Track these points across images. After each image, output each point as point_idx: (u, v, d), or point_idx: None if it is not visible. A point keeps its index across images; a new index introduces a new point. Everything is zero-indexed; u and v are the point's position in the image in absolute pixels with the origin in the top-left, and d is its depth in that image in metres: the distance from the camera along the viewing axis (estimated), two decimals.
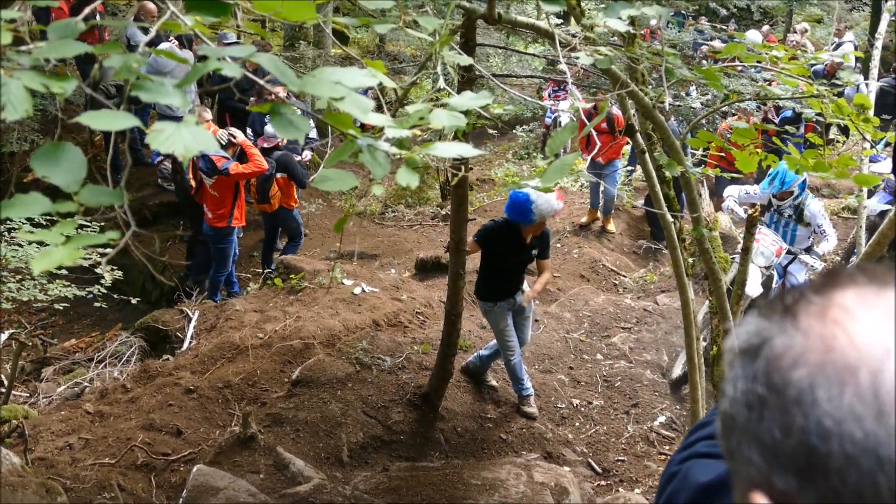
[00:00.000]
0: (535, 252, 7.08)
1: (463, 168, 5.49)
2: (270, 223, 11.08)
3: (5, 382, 8.72)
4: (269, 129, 10.48)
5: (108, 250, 1.98)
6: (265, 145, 10.56)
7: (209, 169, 9.65)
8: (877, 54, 8.82)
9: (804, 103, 5.22)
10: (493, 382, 7.67)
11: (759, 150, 4.78)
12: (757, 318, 0.89)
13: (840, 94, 5.70)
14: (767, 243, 8.14)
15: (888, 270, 0.87)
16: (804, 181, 8.27)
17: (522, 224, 6.77)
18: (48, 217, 1.73)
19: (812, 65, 5.16)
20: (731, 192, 8.59)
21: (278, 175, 10.52)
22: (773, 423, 0.80)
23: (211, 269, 10.27)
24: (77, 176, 1.64)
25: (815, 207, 8.35)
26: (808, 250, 8.53)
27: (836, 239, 8.51)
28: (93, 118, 1.76)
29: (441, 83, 2.61)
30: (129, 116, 1.74)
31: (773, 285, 8.21)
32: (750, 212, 6.06)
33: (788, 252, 8.38)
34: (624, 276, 11.19)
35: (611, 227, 12.44)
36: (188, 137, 1.67)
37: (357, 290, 9.01)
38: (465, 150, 2.23)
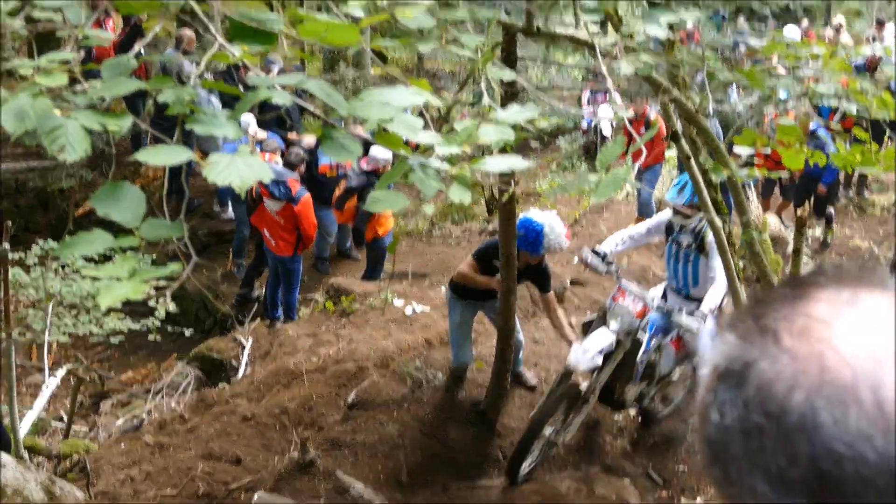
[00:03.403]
0: (520, 280, 6.93)
1: (512, 183, 5.49)
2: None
3: (65, 417, 8.85)
4: (374, 151, 10.36)
5: (162, 282, 2.00)
6: (366, 167, 10.59)
7: (284, 194, 9.35)
8: None
9: (849, 99, 5.16)
10: (532, 381, 7.66)
11: (806, 147, 4.73)
12: (730, 338, 0.87)
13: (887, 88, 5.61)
14: (628, 302, 6.26)
15: (856, 270, 0.87)
16: None
17: (525, 252, 6.68)
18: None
19: (855, 60, 5.09)
20: (609, 241, 6.86)
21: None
22: (777, 451, 0.79)
23: (278, 289, 10.21)
24: (137, 212, 1.67)
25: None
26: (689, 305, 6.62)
27: (723, 287, 6.24)
28: (150, 154, 1.79)
29: (486, 99, 2.62)
30: (185, 151, 1.76)
31: (640, 353, 6.36)
32: (799, 212, 5.99)
33: (660, 310, 6.35)
34: None
35: None
36: (243, 168, 1.70)
37: (408, 310, 9.02)
38: (516, 163, 2.23)
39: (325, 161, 10.98)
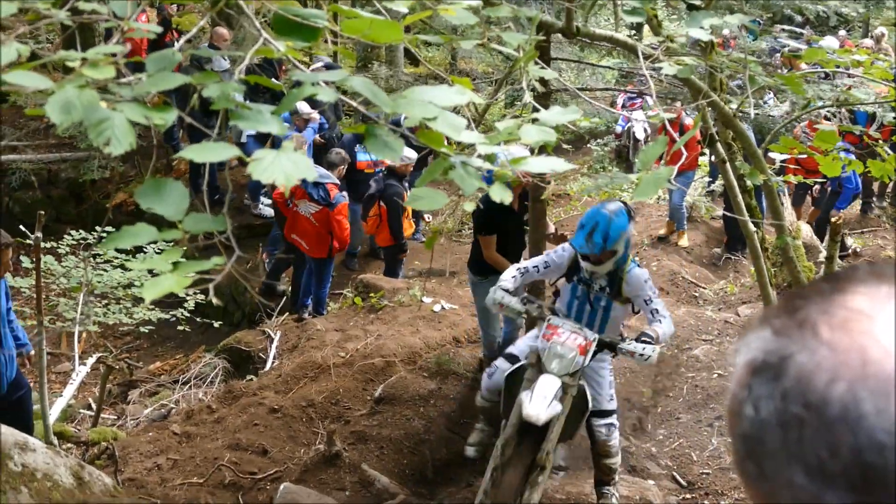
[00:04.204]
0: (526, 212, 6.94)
1: (550, 182, 5.49)
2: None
3: (94, 406, 8.94)
4: (406, 151, 10.36)
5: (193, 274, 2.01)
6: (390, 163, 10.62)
7: (322, 198, 9.40)
8: None
9: (886, 107, 5.12)
10: None
11: (843, 155, 4.70)
12: (764, 333, 0.87)
13: None
14: (565, 338, 5.31)
15: (890, 268, 0.86)
16: (629, 238, 5.62)
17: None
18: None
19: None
20: (505, 277, 5.68)
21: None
22: (817, 443, 0.78)
23: (308, 284, 10.24)
24: (181, 207, 1.68)
25: (640, 275, 5.66)
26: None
27: (672, 324, 5.66)
28: (195, 151, 1.79)
29: (527, 97, 2.61)
30: (230, 147, 1.77)
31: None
32: (833, 219, 5.91)
33: (603, 344, 5.41)
34: (704, 287, 11.05)
35: (683, 241, 12.29)
36: (288, 165, 1.69)
37: (437, 308, 9.04)
38: (558, 164, 2.22)
39: (364, 158, 11.05)
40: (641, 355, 5.14)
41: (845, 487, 0.77)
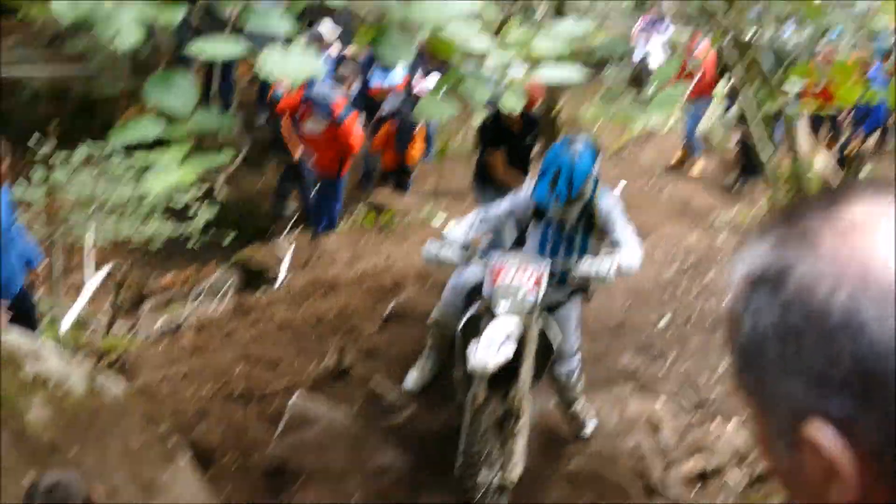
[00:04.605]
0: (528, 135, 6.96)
1: (565, 94, 5.44)
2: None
3: (106, 317, 9.05)
4: (428, 81, 10.45)
5: (204, 188, 2.00)
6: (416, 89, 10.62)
7: (326, 115, 9.34)
8: None
9: None
10: None
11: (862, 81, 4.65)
12: (763, 245, 0.87)
13: None
14: (512, 274, 4.91)
15: (890, 181, 0.86)
16: (597, 175, 5.13)
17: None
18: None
19: None
20: (453, 230, 5.36)
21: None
22: (817, 352, 0.79)
23: (319, 202, 10.26)
24: (189, 101, 1.68)
25: (610, 204, 5.25)
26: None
27: (639, 250, 5.16)
28: (203, 47, 1.78)
29: (544, 6, 2.57)
30: (239, 43, 1.75)
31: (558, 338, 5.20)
32: (851, 146, 5.87)
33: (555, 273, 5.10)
34: (717, 214, 11.08)
35: (696, 169, 12.26)
36: (297, 61, 1.68)
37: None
38: (571, 73, 2.20)
39: (376, 82, 10.99)
40: (597, 274, 4.80)
41: (845, 395, 0.78)
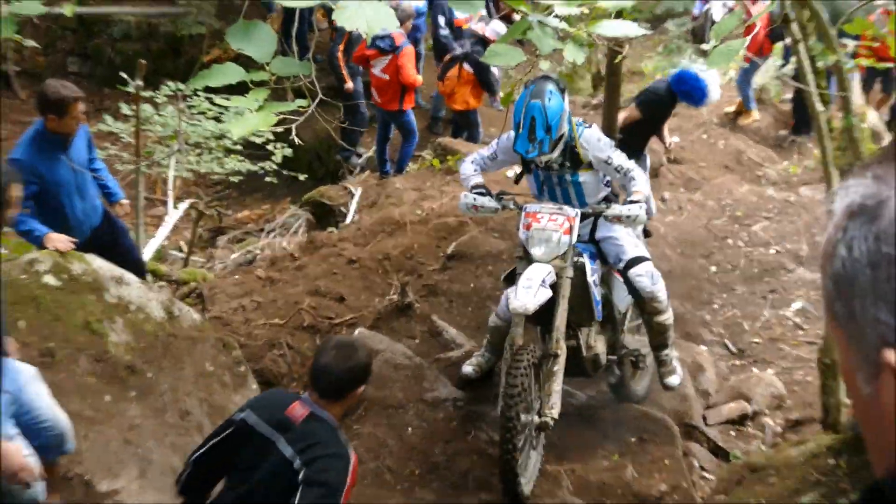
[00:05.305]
0: None
1: (622, 52, 5.56)
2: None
3: (185, 248, 9.41)
4: (494, 25, 10.63)
5: (280, 128, 2.15)
6: (487, 33, 10.75)
7: (389, 46, 9.82)
8: None
9: None
10: None
11: None
12: (864, 179, 0.89)
13: None
14: (545, 221, 5.03)
15: None
16: (569, 112, 5.17)
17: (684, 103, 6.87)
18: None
19: None
20: (467, 173, 5.60)
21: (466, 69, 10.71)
22: None
23: (386, 144, 10.66)
24: (269, 49, 1.89)
25: (592, 135, 5.24)
26: (610, 200, 5.51)
27: (644, 171, 5.36)
28: None
29: None
30: None
31: (591, 276, 5.23)
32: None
33: (587, 216, 5.25)
34: (767, 167, 11.21)
35: (746, 120, 12.29)
36: (371, 13, 1.88)
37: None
38: (631, 28, 2.37)
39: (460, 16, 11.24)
40: (628, 216, 4.94)
41: None
